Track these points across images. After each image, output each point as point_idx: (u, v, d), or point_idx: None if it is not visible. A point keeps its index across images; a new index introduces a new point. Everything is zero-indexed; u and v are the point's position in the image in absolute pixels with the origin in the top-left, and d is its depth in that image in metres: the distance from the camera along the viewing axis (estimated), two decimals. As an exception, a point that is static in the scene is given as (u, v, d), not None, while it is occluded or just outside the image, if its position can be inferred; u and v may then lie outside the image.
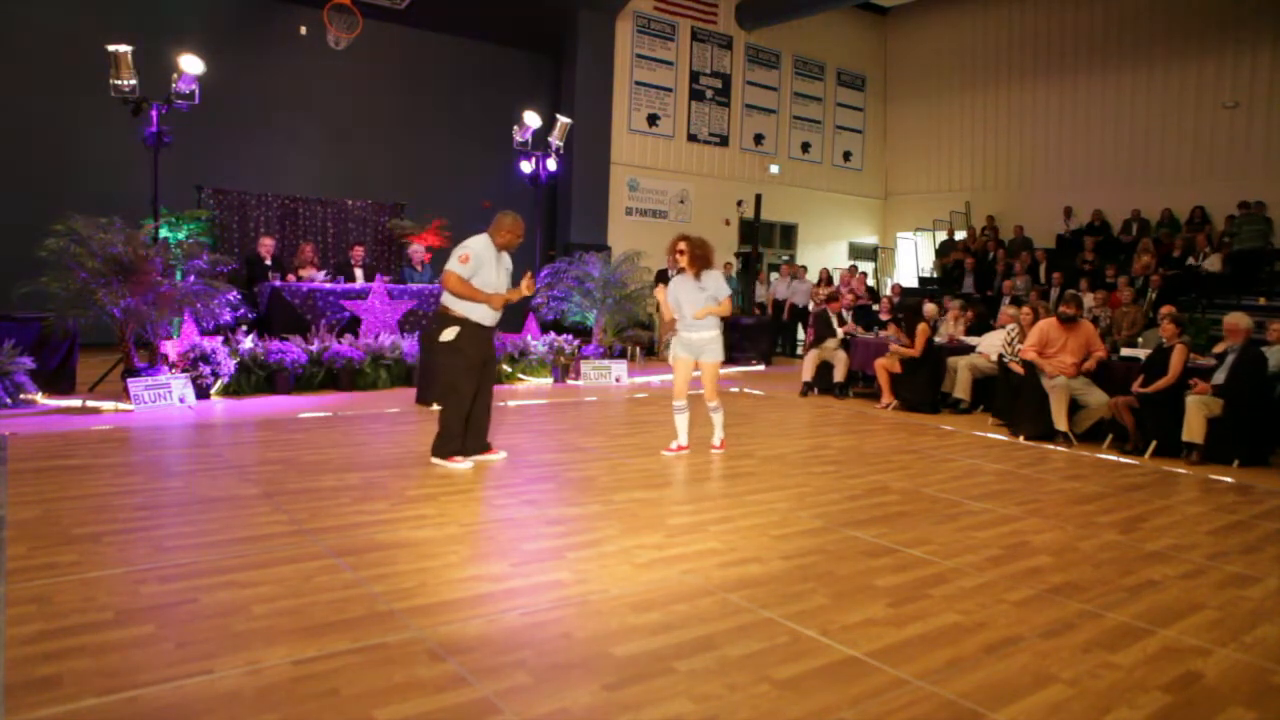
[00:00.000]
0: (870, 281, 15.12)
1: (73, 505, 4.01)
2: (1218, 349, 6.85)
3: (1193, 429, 6.27)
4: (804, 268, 15.56)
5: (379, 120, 12.81)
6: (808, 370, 9.39)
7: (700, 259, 5.63)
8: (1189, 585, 3.58)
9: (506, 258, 5.38)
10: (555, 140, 10.83)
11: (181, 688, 2.33)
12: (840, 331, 9.47)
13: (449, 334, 5.12)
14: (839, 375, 9.32)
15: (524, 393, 8.62)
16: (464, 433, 5.24)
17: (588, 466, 5.34)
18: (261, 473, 4.81)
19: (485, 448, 5.41)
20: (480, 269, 5.12)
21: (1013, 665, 2.71)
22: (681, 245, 5.65)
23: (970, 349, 8.84)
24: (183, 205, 9.66)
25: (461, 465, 5.15)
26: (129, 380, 6.85)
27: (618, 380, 9.69)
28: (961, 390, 8.40)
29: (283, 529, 3.78)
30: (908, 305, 9.23)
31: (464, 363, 5.13)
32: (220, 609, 2.87)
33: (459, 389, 5.15)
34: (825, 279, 13.83)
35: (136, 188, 9.00)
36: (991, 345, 8.46)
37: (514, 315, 10.96)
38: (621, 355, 10.75)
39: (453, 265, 5.08)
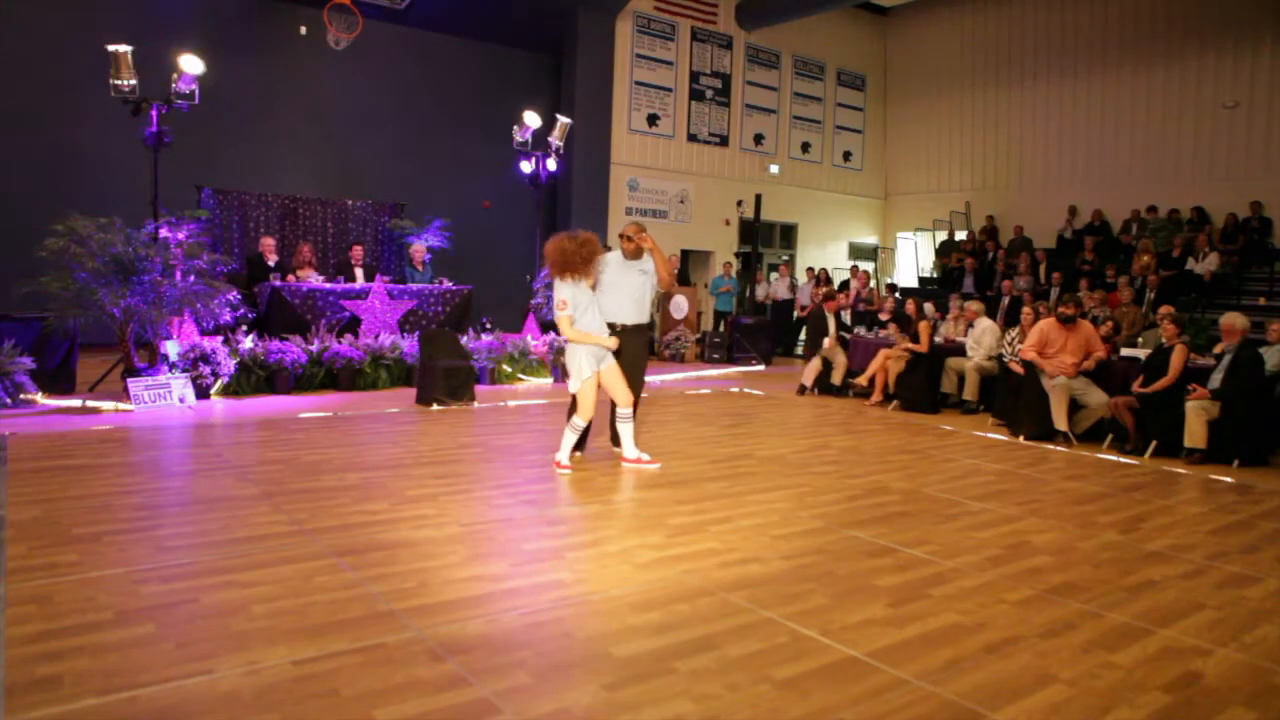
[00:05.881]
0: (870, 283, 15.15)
1: (73, 505, 4.01)
2: (1217, 349, 6.86)
3: (1194, 434, 6.27)
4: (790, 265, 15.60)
5: (379, 120, 12.81)
6: (809, 376, 9.39)
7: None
8: (1189, 585, 3.58)
9: (605, 270, 5.37)
10: (555, 140, 10.83)
11: (181, 688, 2.33)
12: (832, 328, 9.48)
13: None
14: (836, 377, 9.33)
15: (524, 392, 8.62)
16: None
17: (587, 466, 5.34)
18: (261, 473, 4.80)
19: (616, 440, 5.60)
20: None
21: (1013, 665, 2.71)
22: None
23: (970, 349, 8.84)
24: (183, 205, 9.65)
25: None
26: (129, 380, 6.85)
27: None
28: (970, 392, 8.39)
29: (283, 529, 3.78)
30: (899, 313, 9.30)
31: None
32: (220, 609, 2.87)
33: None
34: (824, 278, 13.83)
35: (136, 188, 8.99)
36: (978, 341, 8.44)
37: (514, 315, 11.04)
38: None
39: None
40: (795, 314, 14.54)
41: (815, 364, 9.41)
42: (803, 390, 9.39)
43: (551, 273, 5.10)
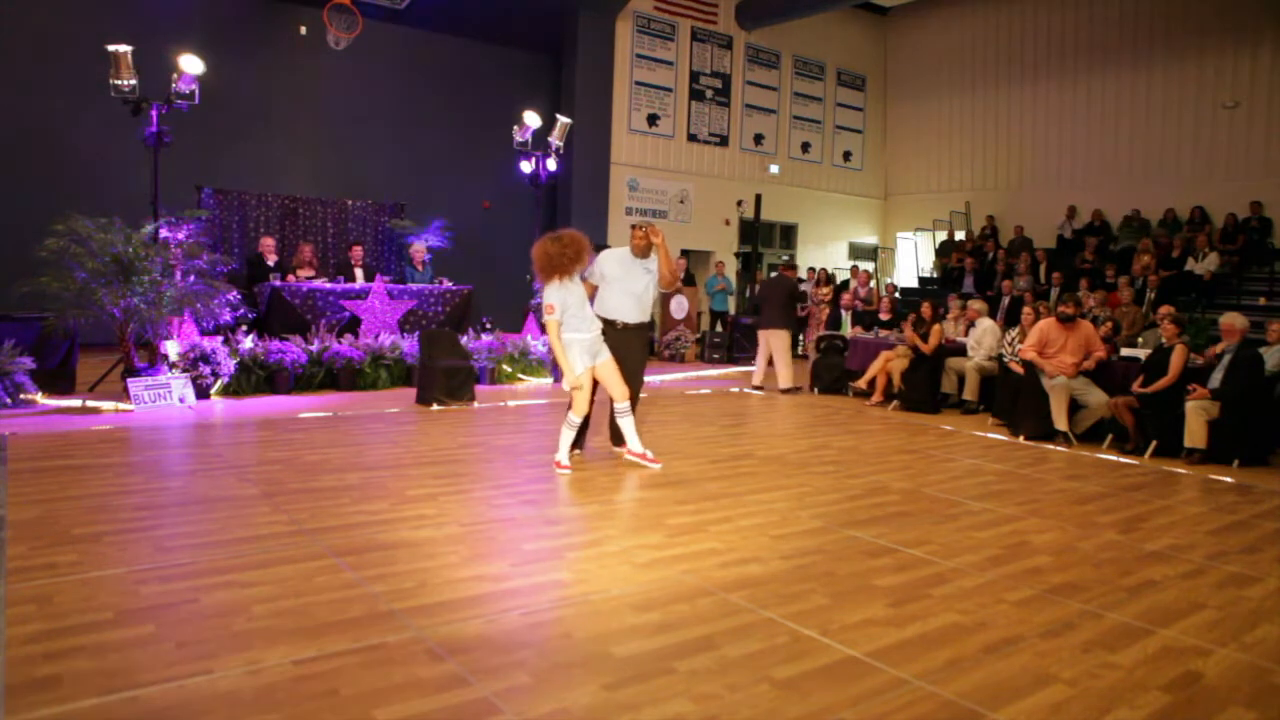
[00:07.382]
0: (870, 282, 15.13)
1: (73, 505, 4.01)
2: (1217, 349, 6.86)
3: (1194, 434, 6.26)
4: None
5: (379, 120, 12.81)
6: (789, 377, 9.38)
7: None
8: (1189, 585, 3.58)
9: (608, 266, 5.41)
10: (555, 140, 10.82)
11: (181, 688, 2.33)
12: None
13: None
14: (758, 377, 9.39)
15: (524, 392, 8.62)
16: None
17: (588, 466, 5.34)
18: (261, 473, 4.80)
19: (619, 440, 5.53)
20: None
21: (1013, 665, 2.71)
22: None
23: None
24: (183, 205, 9.65)
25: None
26: (129, 380, 6.85)
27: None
28: (970, 392, 8.40)
29: (283, 529, 3.78)
30: (903, 313, 9.31)
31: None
32: (220, 609, 2.87)
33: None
34: (824, 279, 13.83)
35: (136, 188, 9.00)
36: (979, 341, 8.44)
37: (514, 315, 11.03)
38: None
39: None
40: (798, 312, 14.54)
41: (786, 356, 9.28)
42: (759, 388, 9.38)
43: (540, 277, 5.09)
